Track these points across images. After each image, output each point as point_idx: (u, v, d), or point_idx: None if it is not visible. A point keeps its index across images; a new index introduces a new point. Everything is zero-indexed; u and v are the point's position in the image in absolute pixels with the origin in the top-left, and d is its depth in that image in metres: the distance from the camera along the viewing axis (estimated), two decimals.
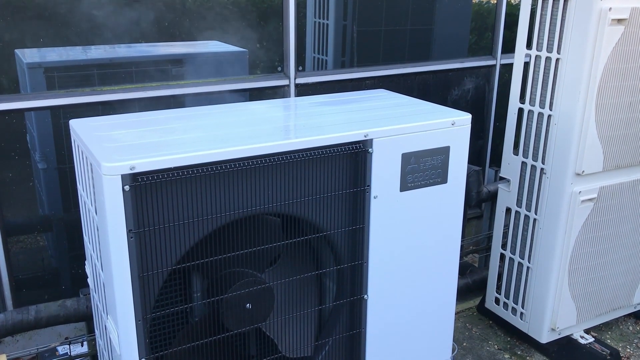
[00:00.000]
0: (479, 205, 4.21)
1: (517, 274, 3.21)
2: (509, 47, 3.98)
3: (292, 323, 2.15)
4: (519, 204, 3.11)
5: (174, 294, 2.01)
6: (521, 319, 3.23)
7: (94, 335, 2.50)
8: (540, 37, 2.85)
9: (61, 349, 2.89)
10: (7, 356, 2.35)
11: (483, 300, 3.55)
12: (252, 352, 2.19)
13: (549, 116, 2.85)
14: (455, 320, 2.75)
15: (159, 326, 2.00)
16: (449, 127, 2.18)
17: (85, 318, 2.66)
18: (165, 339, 2.01)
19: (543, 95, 2.88)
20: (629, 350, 3.35)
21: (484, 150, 4.34)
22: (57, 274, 3.20)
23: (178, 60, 3.26)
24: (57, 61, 2.98)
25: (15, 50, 2.89)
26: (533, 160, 2.98)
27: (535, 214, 3.02)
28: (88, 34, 2.98)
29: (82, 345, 2.85)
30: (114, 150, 1.76)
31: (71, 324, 2.98)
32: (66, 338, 3.05)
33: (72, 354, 2.80)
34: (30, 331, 2.90)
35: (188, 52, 3.30)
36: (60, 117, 2.96)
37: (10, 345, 3.02)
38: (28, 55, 2.90)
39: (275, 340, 2.12)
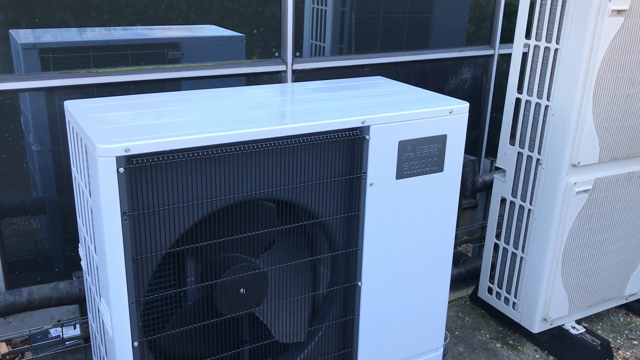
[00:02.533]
0: (473, 195, 4.22)
1: (510, 263, 3.22)
2: (508, 37, 3.97)
3: (286, 309, 2.15)
4: (514, 194, 3.12)
5: (167, 277, 2.01)
6: (513, 309, 3.24)
7: (87, 318, 2.49)
8: (539, 27, 2.83)
9: (54, 332, 2.89)
10: None
11: (476, 290, 3.56)
12: (245, 337, 2.19)
13: (547, 107, 2.84)
14: (448, 309, 2.76)
15: (152, 309, 2.00)
16: (446, 116, 2.17)
17: (78, 301, 2.65)
18: (158, 322, 2.01)
19: (541, 86, 2.87)
20: (619, 341, 3.37)
21: (480, 140, 4.34)
22: (50, 257, 3.19)
23: (174, 44, 3.23)
24: (52, 42, 2.95)
25: (10, 30, 2.85)
26: (529, 150, 2.98)
27: (530, 204, 3.02)
28: (84, 16, 2.95)
29: (74, 328, 2.85)
30: (109, 132, 1.74)
31: (64, 307, 2.98)
32: (59, 320, 3.05)
33: (65, 336, 2.80)
34: (22, 313, 2.90)
35: (185, 36, 3.27)
36: (55, 98, 2.93)
37: (2, 327, 3.01)
38: (22, 36, 2.87)
39: (268, 325, 2.12)
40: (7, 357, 2.73)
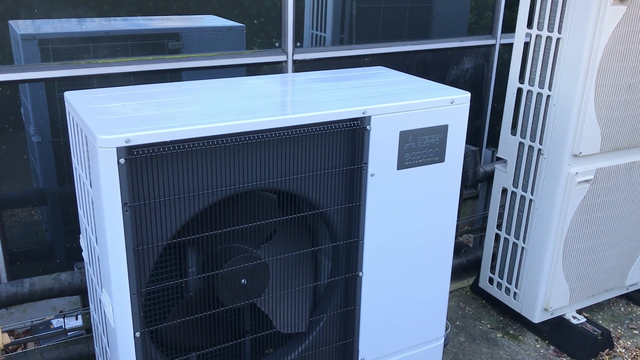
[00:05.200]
0: (475, 185, 4.22)
1: (511, 254, 3.22)
2: (509, 26, 3.95)
3: (287, 299, 2.16)
4: (515, 184, 3.11)
5: (169, 268, 2.01)
6: (514, 299, 3.25)
7: (89, 308, 2.50)
8: (541, 16, 2.82)
9: (56, 322, 2.90)
10: (1, 328, 2.36)
11: (477, 280, 3.57)
12: (247, 327, 2.19)
13: (548, 96, 2.83)
14: (449, 299, 2.76)
15: (153, 300, 2.00)
16: (447, 106, 2.17)
17: (80, 291, 2.66)
18: (160, 313, 2.01)
19: (542, 76, 2.86)
20: (620, 330, 3.38)
21: (482, 131, 4.33)
22: (52, 248, 3.20)
23: (174, 34, 3.22)
24: (51, 33, 2.94)
25: (9, 21, 2.84)
26: (531, 140, 2.97)
27: (532, 194, 3.02)
28: (83, 6, 2.93)
29: (76, 319, 2.86)
30: (110, 122, 1.74)
31: (66, 298, 2.99)
32: (61, 311, 3.06)
33: (67, 327, 2.81)
34: (24, 304, 2.91)
35: (185, 26, 3.26)
36: (55, 89, 2.93)
37: (4, 317, 3.03)
38: (22, 27, 2.86)
39: (269, 315, 2.13)
40: (10, 347, 2.74)
